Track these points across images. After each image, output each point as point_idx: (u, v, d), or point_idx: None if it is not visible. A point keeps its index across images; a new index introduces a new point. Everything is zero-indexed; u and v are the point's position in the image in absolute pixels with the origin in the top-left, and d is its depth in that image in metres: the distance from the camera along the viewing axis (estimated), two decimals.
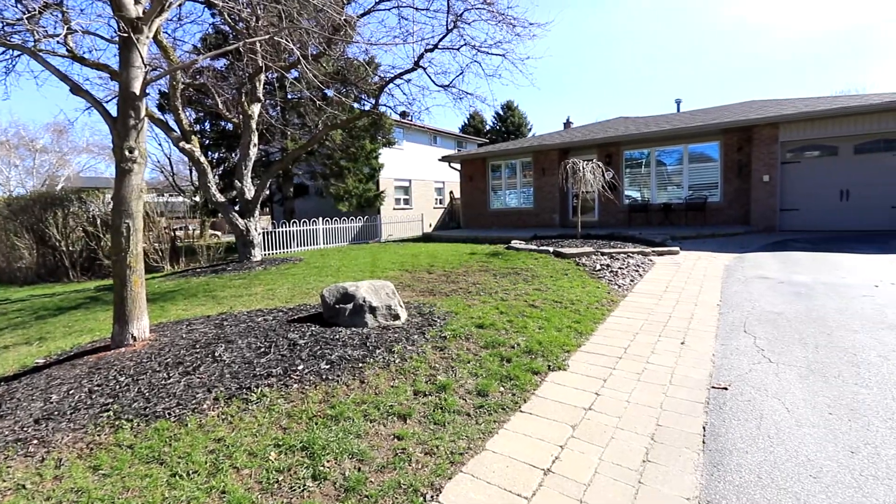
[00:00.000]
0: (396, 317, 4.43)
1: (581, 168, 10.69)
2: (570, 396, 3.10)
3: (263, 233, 13.32)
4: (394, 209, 21.39)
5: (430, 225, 23.37)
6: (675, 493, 2.14)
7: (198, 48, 13.73)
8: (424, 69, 11.13)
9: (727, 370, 3.47)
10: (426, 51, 10.87)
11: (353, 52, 12.17)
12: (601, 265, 7.58)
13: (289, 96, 17.04)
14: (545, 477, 2.27)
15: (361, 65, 11.74)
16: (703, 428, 2.69)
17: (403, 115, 21.62)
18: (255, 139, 10.62)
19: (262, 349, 3.89)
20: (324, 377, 3.32)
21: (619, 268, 7.35)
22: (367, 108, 14.28)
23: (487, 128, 42.16)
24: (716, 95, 68.45)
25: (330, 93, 15.70)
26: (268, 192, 20.68)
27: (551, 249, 9.14)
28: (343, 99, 13.54)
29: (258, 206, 10.70)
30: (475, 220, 18.01)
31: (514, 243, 10.64)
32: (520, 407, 2.95)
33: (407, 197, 22.81)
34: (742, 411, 2.86)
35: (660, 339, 4.16)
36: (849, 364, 3.46)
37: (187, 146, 9.71)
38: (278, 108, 17.55)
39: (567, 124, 25.27)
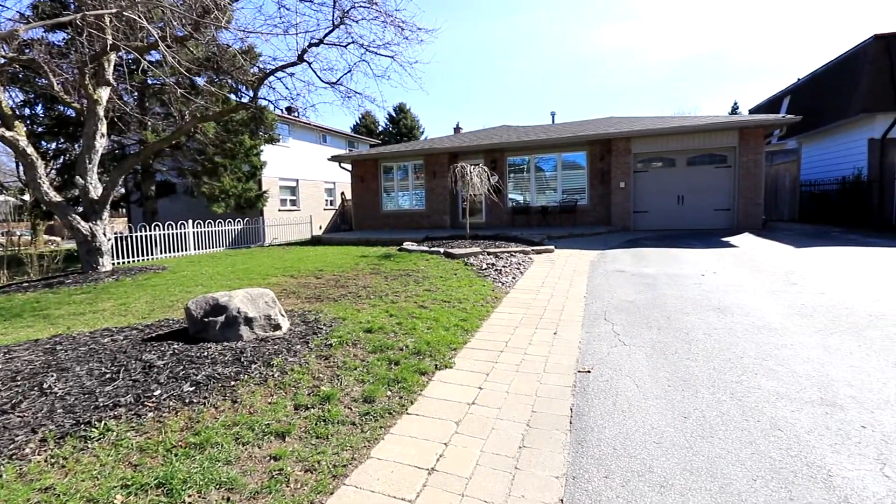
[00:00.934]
0: (277, 327, 4.14)
1: (469, 172, 11.16)
2: (456, 393, 3.19)
3: (117, 238, 11.51)
4: (279, 211, 20.07)
5: (321, 227, 22.43)
6: (546, 473, 2.32)
7: (26, 17, 11.34)
8: (310, 64, 10.64)
9: (591, 355, 3.89)
10: (311, 45, 10.39)
11: (228, 39, 11.15)
12: (487, 264, 7.99)
13: (149, 81, 14.98)
14: (430, 476, 2.30)
15: (238, 53, 10.79)
16: (571, 409, 2.96)
17: (289, 110, 20.37)
18: (102, 128, 9.10)
19: (109, 375, 3.32)
20: (187, 401, 2.95)
21: (503, 266, 7.82)
22: (245, 100, 13.17)
23: (380, 129, 41.92)
24: (583, 110, 76.98)
25: (201, 81, 14.15)
26: (123, 191, 17.95)
27: (442, 250, 9.38)
28: (216, 90, 12.30)
29: (108, 206, 9.18)
30: (367, 222, 17.73)
31: (407, 245, 10.70)
32: (407, 409, 2.95)
33: (294, 198, 21.58)
34: (602, 391, 3.22)
35: (536, 331, 4.50)
36: (683, 342, 4.11)
37: (8, 134, 7.95)
38: (135, 94, 15.32)
39: (457, 129, 26.22)
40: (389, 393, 3.15)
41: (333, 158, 18.10)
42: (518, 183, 16.11)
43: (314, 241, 15.59)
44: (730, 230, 12.71)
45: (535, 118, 69.63)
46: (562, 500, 2.12)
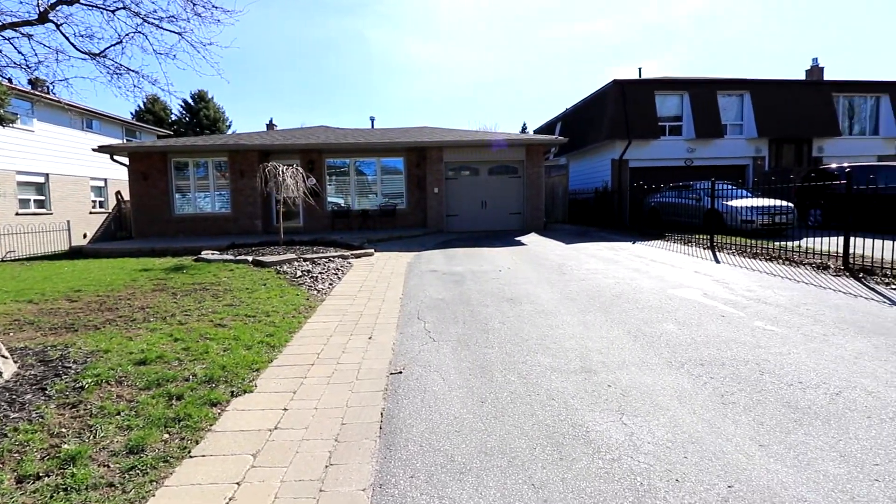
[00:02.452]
0: None
1: (282, 172, 10.36)
2: (255, 421, 2.84)
3: None
4: (18, 215, 15.24)
5: (86, 236, 17.90)
6: (353, 488, 2.22)
7: None
8: (58, 26, 8.28)
9: (403, 355, 3.97)
10: (61, 2, 8.11)
11: None
12: (302, 271, 7.52)
13: None
14: None
15: None
16: (381, 414, 2.94)
17: (34, 84, 15.61)
18: None
19: None
20: None
21: (320, 273, 7.48)
22: None
23: (173, 118, 35.80)
24: (401, 117, 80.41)
25: None
26: None
27: (251, 258, 8.47)
28: None
29: None
30: (154, 228, 14.86)
31: (206, 254, 9.32)
32: (190, 452, 2.48)
33: (42, 198, 16.70)
34: (412, 390, 3.30)
35: (351, 338, 4.39)
36: (482, 332, 4.55)
37: None
38: None
39: (270, 126, 24.27)
40: (167, 436, 2.61)
41: (103, 149, 14.58)
42: (339, 186, 15.75)
43: (75, 254, 12.28)
44: (521, 231, 14.90)
45: (355, 122, 69.68)
46: None
